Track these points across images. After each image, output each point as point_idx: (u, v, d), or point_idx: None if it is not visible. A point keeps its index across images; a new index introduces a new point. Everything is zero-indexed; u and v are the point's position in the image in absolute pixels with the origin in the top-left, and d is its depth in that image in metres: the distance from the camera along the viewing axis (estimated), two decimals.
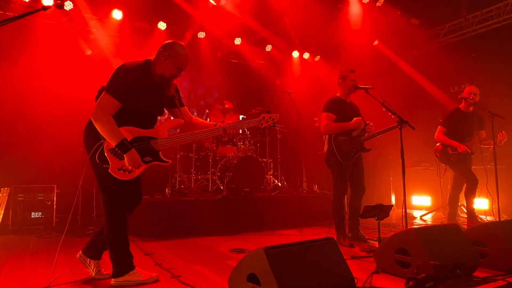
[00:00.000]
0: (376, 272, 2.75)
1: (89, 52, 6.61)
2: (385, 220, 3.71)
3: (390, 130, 3.94)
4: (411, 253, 2.53)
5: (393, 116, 3.60)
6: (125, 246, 2.62)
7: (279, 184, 6.48)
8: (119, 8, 6.34)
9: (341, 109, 4.03)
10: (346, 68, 4.15)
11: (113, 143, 2.42)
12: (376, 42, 7.70)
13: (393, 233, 3.19)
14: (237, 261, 2.19)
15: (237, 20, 6.73)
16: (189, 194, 5.41)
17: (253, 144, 6.36)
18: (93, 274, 2.70)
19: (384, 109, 3.63)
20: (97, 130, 2.45)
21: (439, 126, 4.93)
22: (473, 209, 4.78)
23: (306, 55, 8.24)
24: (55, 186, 5.39)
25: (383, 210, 3.45)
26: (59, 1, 2.17)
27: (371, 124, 3.99)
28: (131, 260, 2.63)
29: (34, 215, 5.18)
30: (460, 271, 2.42)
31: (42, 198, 5.27)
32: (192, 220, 4.78)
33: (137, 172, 2.55)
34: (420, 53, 7.71)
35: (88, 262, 2.73)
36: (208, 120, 6.86)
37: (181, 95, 2.87)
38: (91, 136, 2.50)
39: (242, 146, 6.00)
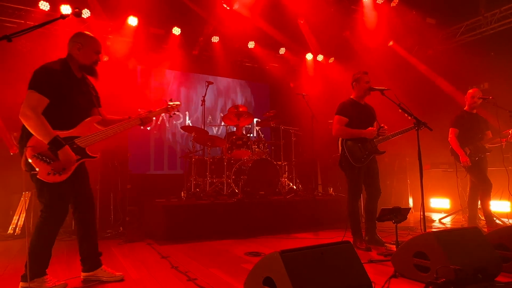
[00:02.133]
0: (394, 276, 2.70)
1: (106, 58, 6.75)
2: (403, 223, 3.65)
3: (405, 132, 3.90)
4: (430, 257, 2.48)
5: (409, 118, 3.54)
6: (47, 255, 2.61)
7: (294, 187, 6.46)
8: (134, 15, 6.47)
9: (354, 112, 3.99)
10: (359, 70, 4.12)
11: (45, 141, 2.40)
12: (391, 43, 7.61)
13: (411, 236, 3.13)
14: (253, 264, 2.19)
15: (250, 24, 6.77)
16: (204, 197, 5.44)
17: (267, 147, 6.36)
18: (105, 279, 2.75)
19: (400, 110, 3.58)
20: (23, 138, 2.44)
21: (450, 128, 4.96)
22: (491, 212, 4.73)
23: (320, 57, 8.21)
24: None
25: (400, 213, 3.40)
26: (77, 10, 2.24)
27: (385, 127, 3.95)
28: (44, 269, 2.59)
29: None
30: (482, 276, 2.35)
31: None
32: (207, 223, 4.80)
33: (67, 173, 2.52)
34: (437, 53, 7.58)
35: (95, 275, 2.79)
36: (223, 124, 6.90)
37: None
38: (22, 147, 2.48)
39: (256, 149, 6.00)
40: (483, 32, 6.92)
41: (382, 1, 6.69)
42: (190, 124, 7.89)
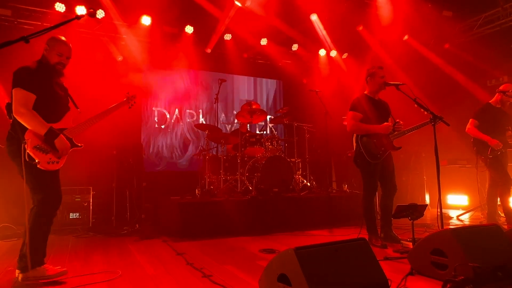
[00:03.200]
0: (411, 273, 2.66)
1: (120, 58, 6.84)
2: (419, 220, 3.59)
3: (421, 127, 3.82)
4: (448, 255, 2.43)
5: (425, 113, 3.48)
6: (44, 244, 2.78)
7: (308, 184, 6.43)
8: (148, 14, 6.53)
9: (369, 107, 3.94)
10: (373, 65, 4.06)
11: (41, 133, 2.65)
12: (406, 37, 7.47)
13: (428, 233, 3.08)
14: (267, 261, 2.19)
15: (262, 21, 6.75)
16: (219, 194, 5.47)
17: (281, 144, 6.35)
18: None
19: (416, 105, 3.52)
20: (18, 135, 2.62)
21: (470, 119, 4.86)
22: (511, 209, 4.60)
23: (333, 53, 8.13)
24: (91, 188, 5.62)
25: (417, 210, 3.34)
26: (91, 10, 2.27)
27: (401, 122, 3.88)
28: (42, 257, 2.75)
29: (72, 215, 5.43)
30: (502, 274, 2.30)
31: (79, 199, 5.51)
32: (222, 221, 4.83)
33: (63, 161, 2.81)
34: (454, 47, 7.40)
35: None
36: (236, 121, 6.91)
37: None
38: (13, 144, 2.66)
39: (270, 146, 6.00)
40: (502, 24, 6.72)
41: None
42: (204, 122, 7.94)
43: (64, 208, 5.36)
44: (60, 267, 2.80)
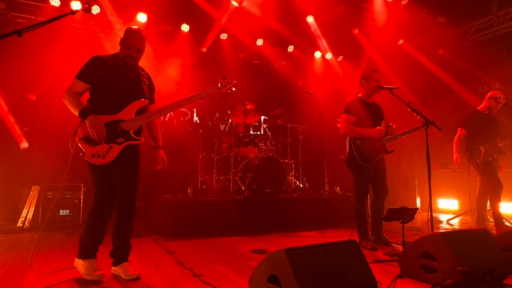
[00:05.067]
0: (400, 276, 2.68)
1: None
2: (410, 224, 3.62)
3: (414, 131, 3.86)
4: (438, 258, 2.45)
5: (418, 117, 3.51)
6: (94, 239, 2.72)
7: (301, 185, 6.44)
8: (144, 11, 6.49)
9: (362, 110, 3.96)
10: (368, 68, 4.09)
11: (76, 113, 2.63)
12: (401, 41, 7.53)
13: (418, 237, 3.10)
14: (258, 261, 2.19)
15: (259, 21, 6.75)
16: (211, 194, 5.45)
17: (274, 145, 6.35)
18: (123, 276, 2.77)
19: (409, 109, 3.55)
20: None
21: (459, 128, 4.96)
22: (500, 214, 4.68)
23: (328, 56, 8.16)
24: (82, 185, 5.57)
25: (407, 213, 3.37)
26: (86, 5, 2.25)
27: (394, 126, 3.91)
28: (93, 252, 2.72)
29: (62, 212, 5.37)
30: (490, 278, 2.33)
31: (70, 196, 5.46)
32: (213, 220, 4.82)
33: (112, 155, 2.63)
34: (448, 52, 7.47)
35: (117, 271, 2.82)
36: (230, 121, 6.90)
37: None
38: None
39: (263, 147, 6.00)
40: (495, 31, 6.81)
41: None
42: (198, 121, 7.92)
43: (54, 205, 5.31)
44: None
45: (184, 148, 7.74)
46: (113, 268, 2.85)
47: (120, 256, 2.84)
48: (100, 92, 2.73)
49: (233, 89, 3.04)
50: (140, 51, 2.79)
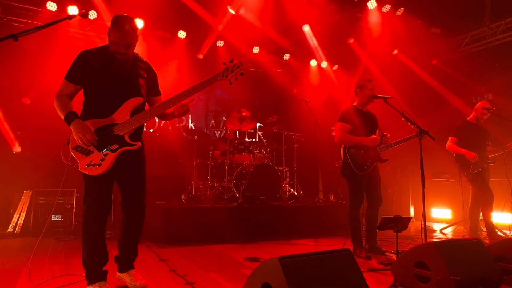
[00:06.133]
0: (394, 286, 2.67)
1: None
2: (404, 233, 3.62)
3: (408, 140, 3.90)
4: (431, 268, 2.45)
5: (412, 126, 3.54)
6: (95, 252, 2.51)
7: (295, 193, 6.44)
8: (140, 17, 6.51)
9: (357, 119, 3.99)
10: (363, 77, 4.13)
11: (62, 118, 2.42)
12: (395, 51, 7.62)
13: (411, 246, 3.11)
14: (252, 269, 2.17)
15: (255, 29, 6.80)
16: (205, 201, 5.43)
17: (269, 152, 6.36)
18: (130, 286, 2.63)
19: (403, 118, 3.58)
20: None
21: (450, 137, 4.97)
22: (492, 224, 4.72)
23: (324, 64, 8.22)
24: (75, 190, 5.52)
25: (401, 222, 3.37)
26: (84, 11, 2.25)
27: (388, 135, 3.94)
28: (97, 273, 2.50)
29: (54, 218, 5.31)
30: None
31: (62, 201, 5.40)
32: (207, 227, 4.78)
33: (107, 164, 2.39)
34: (441, 63, 7.57)
35: (123, 278, 2.68)
36: (225, 127, 6.90)
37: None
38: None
39: (258, 154, 6.00)
40: (488, 43, 6.92)
41: (388, 10, 6.70)
42: (193, 128, 7.91)
43: (46, 210, 5.25)
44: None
45: (178, 154, 7.72)
46: (118, 273, 2.70)
47: (124, 263, 2.68)
48: (91, 93, 2.49)
49: (242, 73, 2.70)
50: (129, 46, 2.47)
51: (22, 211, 5.25)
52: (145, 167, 2.72)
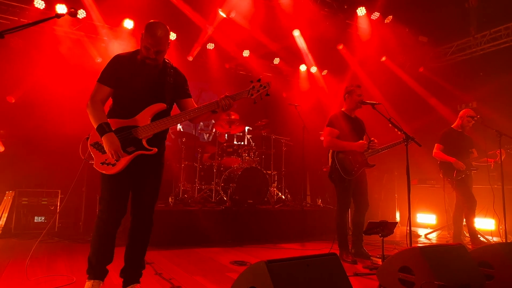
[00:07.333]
0: None
1: (99, 60, 6.70)
2: (389, 238, 3.66)
3: (395, 146, 3.95)
4: (415, 272, 2.48)
5: (399, 132, 3.59)
6: (102, 252, 2.52)
7: (283, 197, 6.45)
8: (130, 18, 6.46)
9: (345, 124, 4.03)
10: (352, 83, 4.17)
11: (95, 127, 2.40)
12: (383, 58, 7.73)
13: (397, 250, 3.14)
14: (238, 273, 2.17)
15: (246, 33, 6.81)
16: (192, 203, 5.39)
17: (258, 155, 6.36)
18: None
19: (390, 125, 3.63)
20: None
21: (436, 144, 5.05)
22: (475, 230, 4.81)
23: (313, 69, 8.28)
24: (60, 191, 5.41)
25: (387, 227, 3.41)
26: (72, 9, 2.22)
27: (375, 140, 3.99)
28: (99, 271, 2.50)
29: (37, 219, 5.20)
30: None
31: (46, 202, 5.29)
32: (194, 230, 4.75)
33: (120, 165, 2.39)
34: (428, 71, 7.72)
35: None
36: (214, 130, 6.89)
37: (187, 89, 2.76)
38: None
39: (247, 157, 5.99)
40: (473, 52, 7.08)
41: (377, 17, 6.81)
42: (181, 130, 7.86)
43: (29, 211, 5.14)
44: None
45: (166, 156, 7.65)
46: None
47: (130, 275, 2.59)
48: (118, 95, 2.52)
49: (267, 94, 2.69)
50: (160, 52, 2.49)
51: (4, 212, 5.12)
52: (161, 175, 2.69)
